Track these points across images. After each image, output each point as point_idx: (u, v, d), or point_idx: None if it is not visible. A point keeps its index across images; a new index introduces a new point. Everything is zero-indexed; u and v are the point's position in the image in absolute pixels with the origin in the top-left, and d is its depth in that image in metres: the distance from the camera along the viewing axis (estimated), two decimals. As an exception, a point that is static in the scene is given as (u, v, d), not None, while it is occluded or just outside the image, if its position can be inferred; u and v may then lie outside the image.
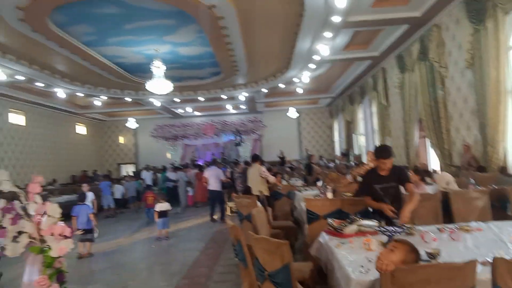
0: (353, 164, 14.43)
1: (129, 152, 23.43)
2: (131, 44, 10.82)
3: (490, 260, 2.22)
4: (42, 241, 2.31)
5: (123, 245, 8.20)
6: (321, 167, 13.59)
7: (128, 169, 22.24)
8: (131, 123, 19.91)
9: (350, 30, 9.60)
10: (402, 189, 4.07)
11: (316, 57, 11.30)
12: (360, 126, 16.53)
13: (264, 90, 16.27)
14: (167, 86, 11.43)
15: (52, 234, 2.32)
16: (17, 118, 15.48)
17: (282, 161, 19.16)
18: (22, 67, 10.99)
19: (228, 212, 11.05)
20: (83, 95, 15.49)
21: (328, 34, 9.34)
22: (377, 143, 14.06)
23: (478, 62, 7.32)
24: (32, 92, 14.92)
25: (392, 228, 3.22)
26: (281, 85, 15.33)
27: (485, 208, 4.74)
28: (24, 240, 2.25)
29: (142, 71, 13.06)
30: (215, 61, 12.48)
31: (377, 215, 3.83)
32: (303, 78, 14.04)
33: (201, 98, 17.56)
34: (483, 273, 2.20)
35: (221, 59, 12.08)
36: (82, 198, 7.62)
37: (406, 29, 9.53)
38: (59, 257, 2.35)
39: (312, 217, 4.73)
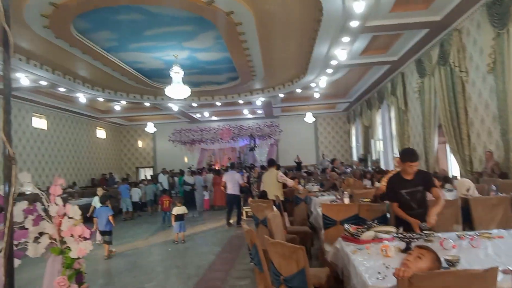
0: (370, 169, 14.26)
1: (147, 156, 23.76)
2: (151, 50, 11.00)
3: (511, 268, 2.17)
4: (62, 242, 2.37)
5: (141, 248, 8.30)
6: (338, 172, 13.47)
7: (146, 173, 22.57)
8: (150, 128, 20.19)
9: (368, 34, 9.53)
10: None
11: (333, 62, 11.26)
12: (378, 131, 16.34)
13: (281, 95, 16.30)
14: (185, 91, 11.56)
15: (72, 236, 2.37)
16: (39, 122, 15.89)
17: (299, 166, 19.08)
18: (45, 72, 11.29)
19: (244, 217, 11.06)
20: (103, 99, 15.81)
21: (346, 39, 9.30)
22: (396, 149, 13.87)
23: (500, 67, 7.16)
24: (54, 97, 15.31)
25: (410, 235, 3.16)
26: (298, 90, 15.32)
27: (506, 215, 4.61)
28: (45, 241, 2.30)
29: (161, 76, 13.25)
30: (233, 67, 12.56)
31: (403, 224, 3.75)
32: (320, 83, 13.99)
33: (218, 103, 17.68)
34: (504, 282, 2.15)
35: (239, 64, 12.15)
36: (104, 199, 7.76)
37: (426, 33, 9.40)
38: (79, 258, 2.40)
39: (329, 222, 4.71)
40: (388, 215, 4.70)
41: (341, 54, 10.25)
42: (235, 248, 7.69)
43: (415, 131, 11.93)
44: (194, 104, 17.87)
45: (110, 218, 7.27)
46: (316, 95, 16.82)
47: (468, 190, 5.47)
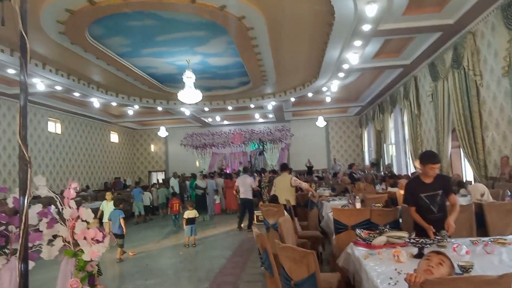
0: (383, 174, 14.14)
1: (159, 160, 23.95)
2: (163, 55, 11.12)
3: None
4: (76, 244, 2.40)
5: (152, 251, 8.36)
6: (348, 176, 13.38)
7: (158, 177, 22.76)
8: (162, 132, 20.38)
9: (380, 38, 9.47)
10: None
11: (345, 66, 11.22)
12: (391, 135, 16.19)
13: (292, 99, 16.30)
14: (197, 96, 11.64)
15: (85, 238, 2.40)
16: (54, 127, 16.16)
17: (310, 170, 19.01)
18: (61, 78, 11.50)
19: (254, 221, 11.05)
20: (116, 104, 16.01)
21: (358, 43, 9.27)
22: (409, 153, 13.72)
23: (515, 70, 7.05)
24: (69, 102, 15.56)
25: (423, 240, 3.13)
26: (310, 94, 15.30)
27: (522, 222, 4.53)
28: (58, 243, 2.33)
29: (173, 81, 13.38)
30: (244, 71, 12.61)
31: (420, 229, 3.71)
32: (332, 87, 13.96)
33: (229, 107, 17.76)
34: (519, 289, 2.10)
35: (250, 69, 12.20)
36: (118, 203, 7.83)
37: (439, 36, 9.31)
38: (91, 260, 2.43)
39: (340, 227, 4.68)
40: (400, 220, 4.65)
41: (353, 58, 10.21)
42: (246, 252, 7.69)
43: (428, 136, 11.79)
44: (206, 109, 17.98)
45: (121, 220, 7.34)
46: (328, 99, 16.77)
47: (482, 195, 5.39)
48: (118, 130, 22.11)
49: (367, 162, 20.06)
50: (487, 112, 8.40)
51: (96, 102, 14.79)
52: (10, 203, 2.09)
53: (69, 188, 2.43)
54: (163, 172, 23.46)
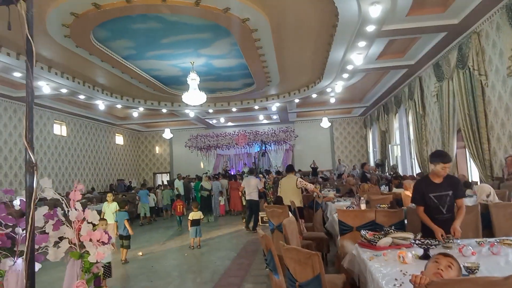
0: (388, 175, 14.08)
1: (164, 162, 24.02)
2: (167, 58, 11.16)
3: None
4: (81, 246, 2.41)
5: (157, 252, 8.38)
6: (354, 177, 13.34)
7: (163, 178, 22.83)
8: (167, 134, 20.44)
9: (384, 39, 9.44)
10: None
11: (349, 67, 11.20)
12: (396, 136, 16.13)
13: (296, 100, 16.29)
14: (202, 98, 11.67)
15: (90, 240, 2.41)
16: (59, 129, 16.26)
17: (314, 171, 18.96)
18: (66, 80, 11.58)
19: (259, 222, 11.05)
20: (121, 106, 16.09)
21: (362, 44, 9.25)
22: (414, 154, 13.66)
23: (520, 70, 7.00)
24: (74, 104, 15.66)
25: (428, 241, 3.11)
26: (314, 95, 15.28)
27: (529, 222, 4.49)
28: (64, 245, 2.35)
29: (177, 83, 13.42)
30: (248, 73, 12.62)
31: (428, 230, 3.69)
32: (336, 88, 13.93)
33: (233, 109, 17.79)
34: (525, 291, 2.09)
35: (254, 70, 12.21)
36: (123, 204, 7.86)
37: (443, 36, 9.27)
38: (97, 262, 2.44)
39: (345, 228, 4.66)
40: (405, 221, 4.64)
41: (357, 58, 10.19)
42: (251, 253, 7.69)
43: (433, 136, 11.74)
44: (210, 110, 18.02)
45: (126, 222, 7.37)
46: (332, 100, 16.74)
47: (488, 195, 5.35)
48: (123, 132, 22.20)
49: (372, 163, 20.00)
50: (493, 112, 8.35)
51: (101, 104, 14.87)
52: (17, 205, 2.11)
53: (75, 190, 2.45)
54: (168, 174, 23.52)
